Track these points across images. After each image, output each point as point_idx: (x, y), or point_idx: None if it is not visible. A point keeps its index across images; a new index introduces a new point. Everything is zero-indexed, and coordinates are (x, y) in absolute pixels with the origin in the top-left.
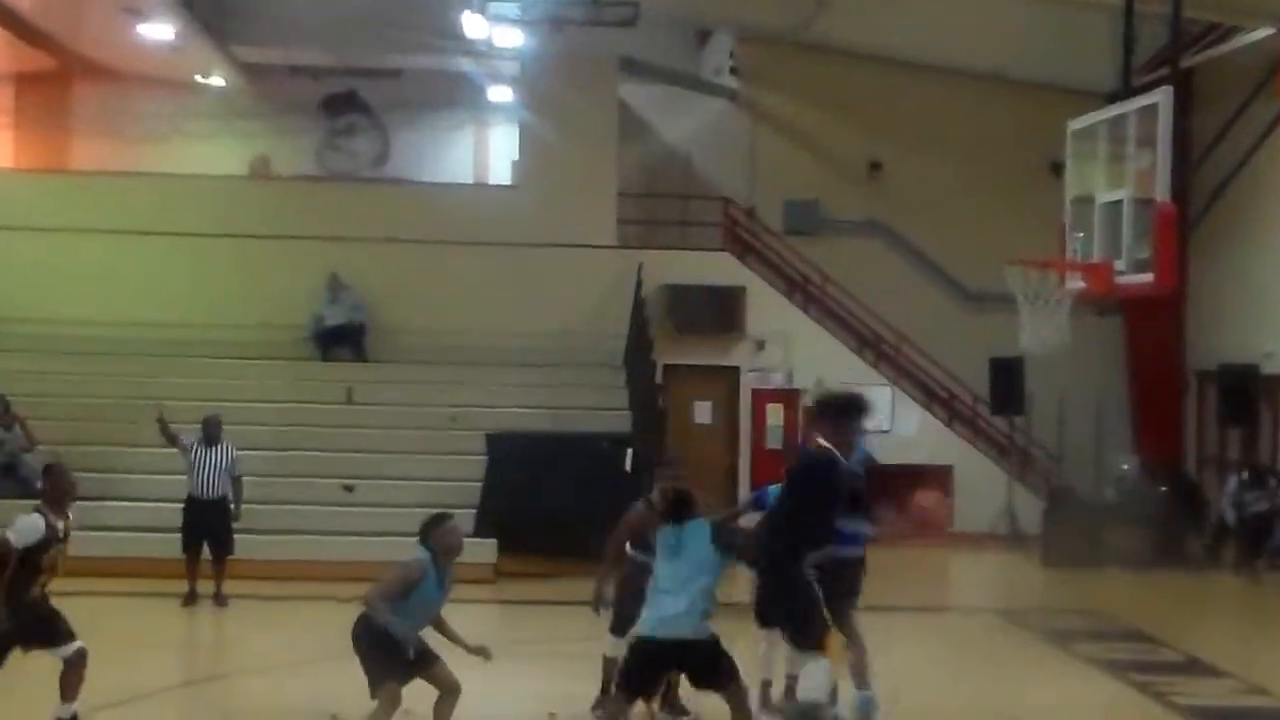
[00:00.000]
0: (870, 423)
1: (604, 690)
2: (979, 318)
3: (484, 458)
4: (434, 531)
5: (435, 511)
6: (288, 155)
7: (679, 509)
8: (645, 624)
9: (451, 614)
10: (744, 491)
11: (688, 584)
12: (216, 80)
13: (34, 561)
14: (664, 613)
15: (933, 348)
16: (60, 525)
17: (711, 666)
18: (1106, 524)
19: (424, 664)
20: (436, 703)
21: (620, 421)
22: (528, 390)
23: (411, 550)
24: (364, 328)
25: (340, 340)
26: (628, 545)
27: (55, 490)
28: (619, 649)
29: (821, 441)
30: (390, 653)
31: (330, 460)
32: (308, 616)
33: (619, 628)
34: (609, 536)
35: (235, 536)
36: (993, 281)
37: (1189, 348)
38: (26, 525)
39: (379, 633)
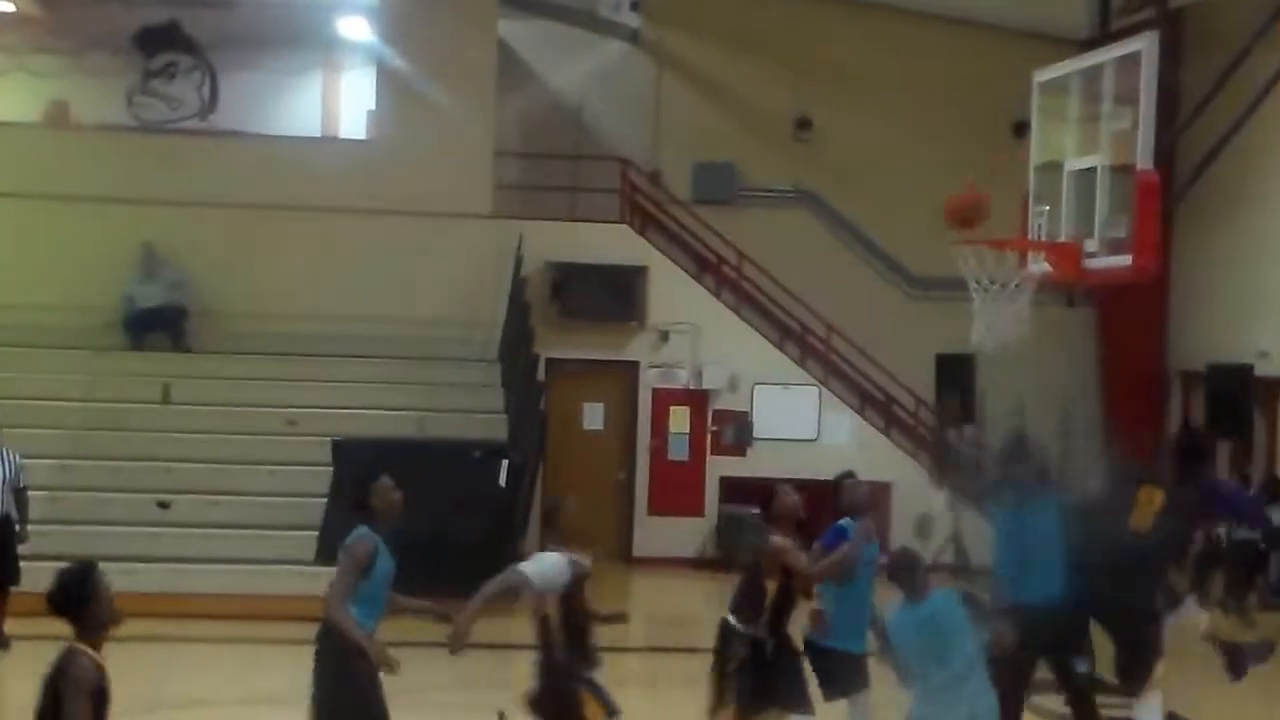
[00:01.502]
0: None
1: None
2: (923, 306)
3: (329, 469)
4: (372, 493)
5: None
6: (92, 100)
7: (907, 575)
8: None
9: (283, 660)
10: (641, 512)
11: (957, 686)
12: (3, 4)
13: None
14: None
15: (869, 342)
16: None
17: None
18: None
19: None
20: None
21: (494, 427)
22: (382, 389)
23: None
24: (185, 311)
25: (155, 326)
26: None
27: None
28: None
29: None
30: (360, 682)
31: (141, 472)
32: (110, 662)
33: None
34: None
35: (20, 563)
36: (940, 263)
37: (1172, 344)
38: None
39: (344, 656)
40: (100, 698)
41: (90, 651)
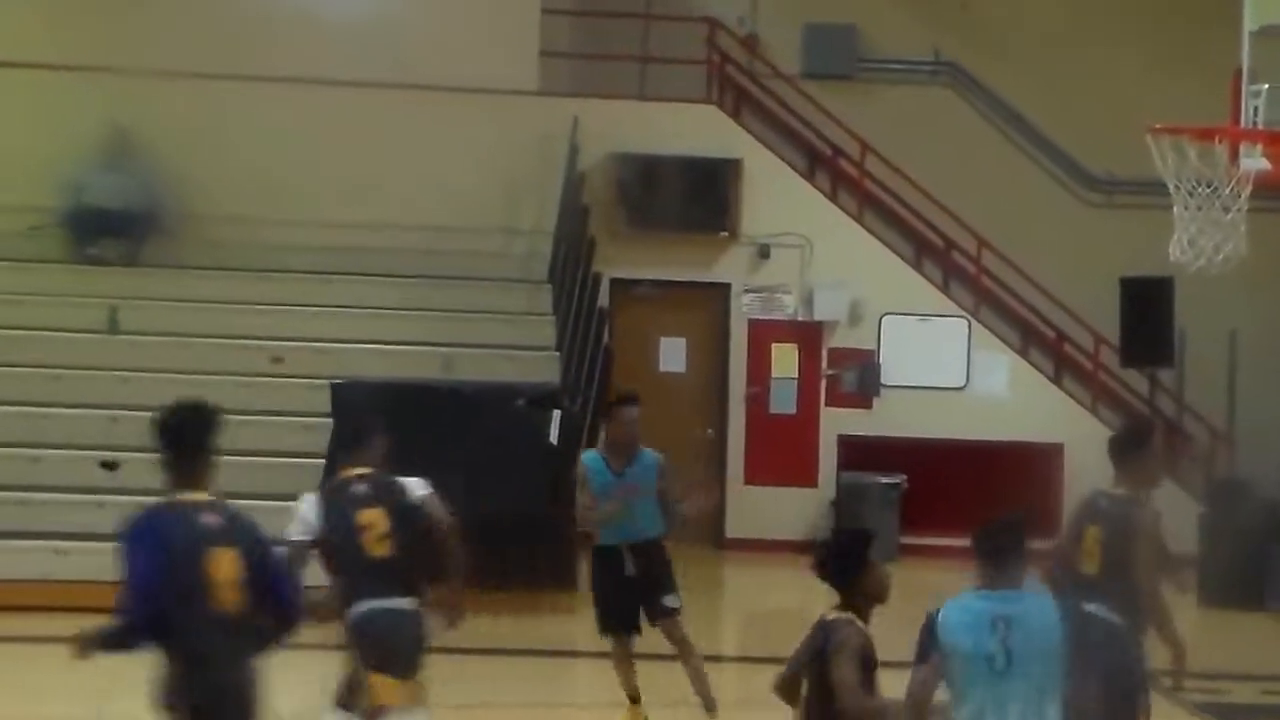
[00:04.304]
0: None
1: None
2: (1105, 215)
3: (326, 421)
4: None
5: None
6: None
7: (1001, 549)
8: None
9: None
10: (736, 481)
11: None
12: None
13: None
14: None
15: (1033, 261)
16: None
17: None
18: None
19: None
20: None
21: (543, 367)
22: (397, 318)
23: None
24: (155, 218)
25: (109, 231)
26: None
27: None
28: None
29: None
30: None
31: (80, 423)
32: (38, 665)
33: None
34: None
35: None
36: (1128, 160)
37: None
38: None
39: None
40: (870, 665)
41: (857, 620)
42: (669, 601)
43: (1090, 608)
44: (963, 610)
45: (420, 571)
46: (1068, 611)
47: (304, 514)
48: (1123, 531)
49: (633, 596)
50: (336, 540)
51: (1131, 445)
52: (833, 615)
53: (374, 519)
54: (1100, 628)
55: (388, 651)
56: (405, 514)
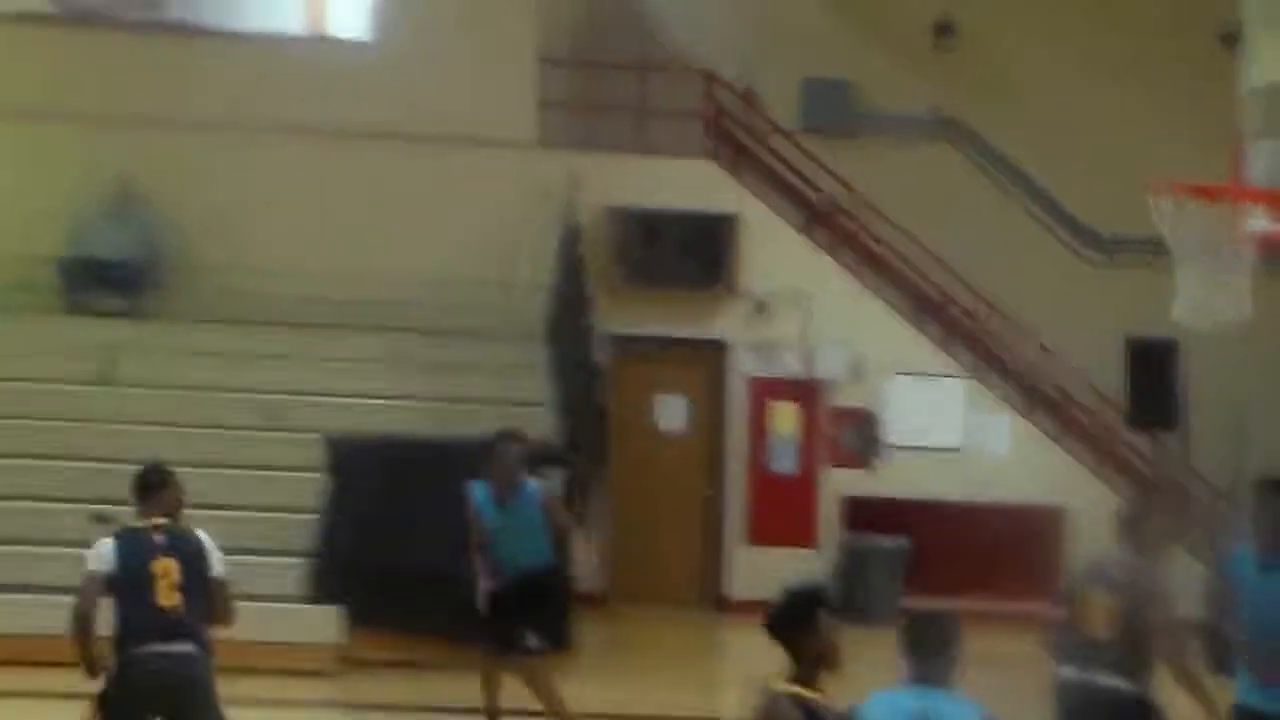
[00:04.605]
0: None
1: None
2: (1109, 274)
3: (321, 476)
4: None
5: None
6: None
7: (927, 645)
8: None
9: None
10: (735, 541)
11: None
12: None
13: None
14: None
15: (1036, 319)
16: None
17: None
18: None
19: None
20: None
21: (538, 423)
22: (391, 371)
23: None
24: (155, 269)
25: (110, 282)
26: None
27: None
28: None
29: None
30: None
31: (73, 475)
32: None
33: None
34: None
35: None
36: (1131, 218)
37: None
38: None
39: None
40: None
41: (802, 692)
42: (527, 640)
43: (1106, 681)
44: (882, 706)
45: (204, 622)
46: (1080, 683)
47: (102, 553)
48: (1134, 596)
49: (493, 620)
50: (127, 585)
51: (1138, 512)
52: (776, 687)
53: (168, 568)
54: (1130, 706)
55: (152, 695)
56: (199, 568)
